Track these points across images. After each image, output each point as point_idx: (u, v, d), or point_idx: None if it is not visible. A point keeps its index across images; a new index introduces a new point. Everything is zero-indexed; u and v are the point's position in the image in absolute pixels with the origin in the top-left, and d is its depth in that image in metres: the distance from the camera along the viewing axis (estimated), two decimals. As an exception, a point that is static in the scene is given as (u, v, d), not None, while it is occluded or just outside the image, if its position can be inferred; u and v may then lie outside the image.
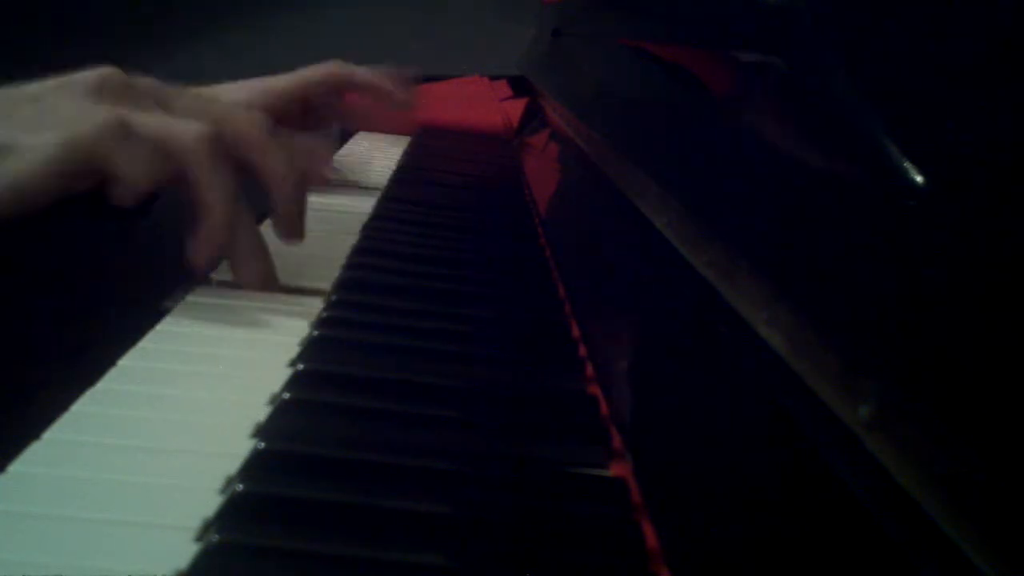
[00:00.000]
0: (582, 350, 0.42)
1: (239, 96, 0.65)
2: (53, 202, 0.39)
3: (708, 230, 0.34)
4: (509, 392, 0.37)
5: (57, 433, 0.29)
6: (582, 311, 0.46)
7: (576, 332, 0.44)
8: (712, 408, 0.31)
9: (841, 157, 0.28)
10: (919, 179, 0.24)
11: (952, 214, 0.22)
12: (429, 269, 0.51)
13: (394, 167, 0.81)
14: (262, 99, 0.65)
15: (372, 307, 0.44)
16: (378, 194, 0.69)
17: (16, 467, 0.27)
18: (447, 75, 1.18)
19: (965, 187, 0.22)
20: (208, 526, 0.25)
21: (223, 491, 0.27)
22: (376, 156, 0.88)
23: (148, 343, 0.37)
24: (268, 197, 0.47)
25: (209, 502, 0.26)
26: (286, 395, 0.33)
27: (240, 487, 0.27)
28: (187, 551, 0.24)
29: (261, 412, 0.32)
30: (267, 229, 0.54)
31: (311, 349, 0.38)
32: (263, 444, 0.29)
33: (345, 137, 1.01)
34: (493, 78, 1.22)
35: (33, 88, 0.42)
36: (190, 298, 0.43)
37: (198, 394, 0.33)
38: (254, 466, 0.28)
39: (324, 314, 0.42)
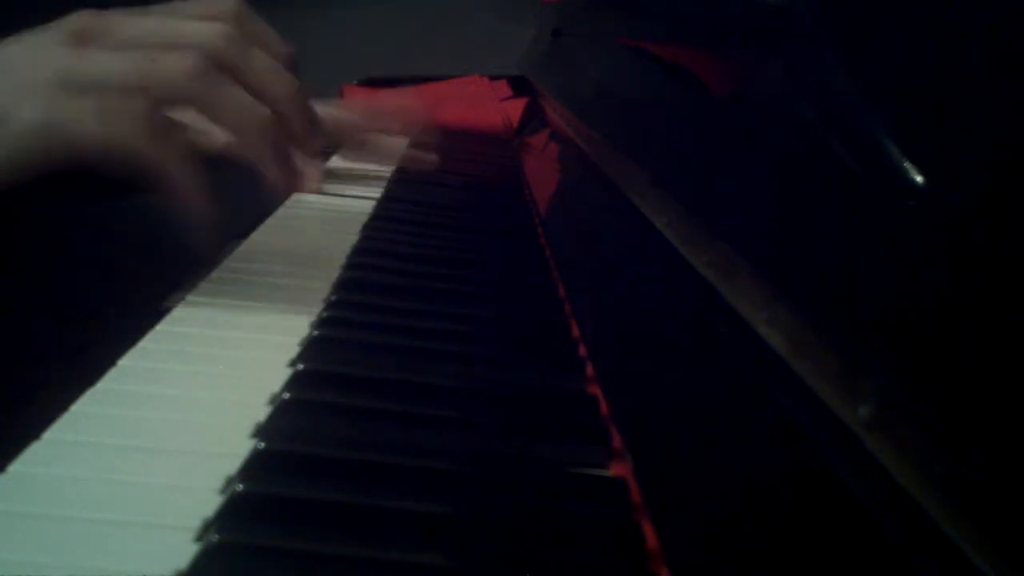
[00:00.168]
0: (582, 350, 0.42)
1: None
2: (47, 172, 0.39)
3: (708, 230, 0.34)
4: (509, 392, 0.37)
5: (57, 433, 0.29)
6: (582, 311, 0.46)
7: (576, 332, 0.44)
8: (712, 408, 0.31)
9: (841, 157, 0.28)
10: (919, 179, 0.24)
11: (952, 214, 0.22)
12: (429, 269, 0.51)
13: (394, 167, 0.81)
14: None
15: (372, 307, 0.44)
16: (378, 194, 0.69)
17: (16, 467, 0.27)
18: (447, 75, 1.18)
19: (965, 187, 0.22)
20: (208, 526, 0.25)
21: (223, 491, 0.27)
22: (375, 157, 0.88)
23: (148, 343, 0.37)
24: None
25: (209, 502, 0.26)
26: (286, 395, 0.33)
27: (240, 487, 0.27)
28: (187, 551, 0.24)
29: (261, 412, 0.32)
30: (264, 235, 0.54)
31: (311, 349, 0.38)
32: (263, 444, 0.29)
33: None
34: (493, 78, 1.22)
35: (14, 47, 0.41)
36: (190, 298, 0.43)
37: (198, 394, 0.33)
38: (254, 466, 0.28)
39: (324, 314, 0.42)
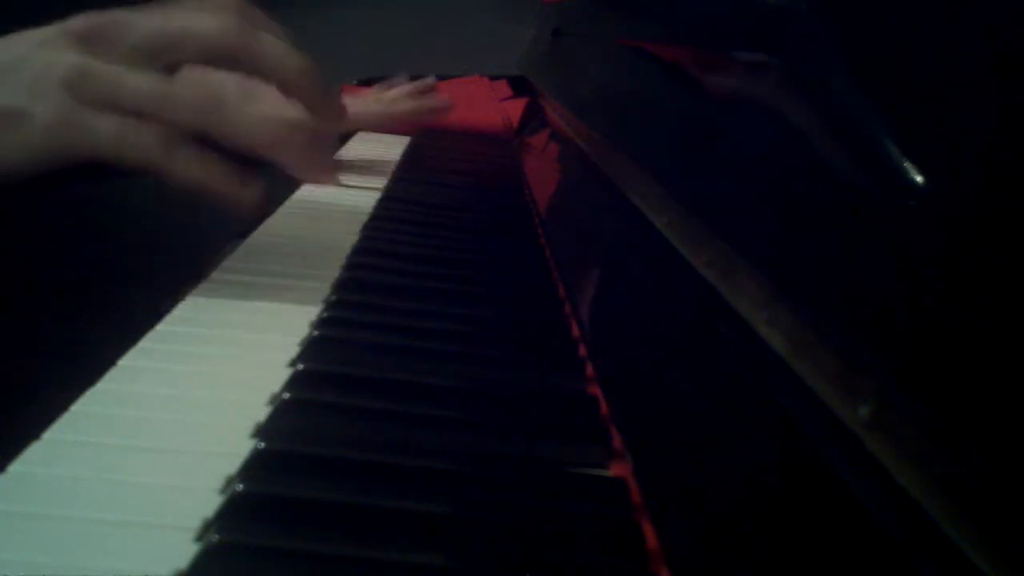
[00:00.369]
0: (582, 350, 0.42)
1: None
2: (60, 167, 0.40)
3: (708, 230, 0.34)
4: (509, 392, 0.37)
5: (57, 433, 0.29)
6: (582, 311, 0.46)
7: (576, 332, 0.44)
8: (712, 408, 0.31)
9: (841, 157, 0.28)
10: (919, 179, 0.24)
11: (952, 214, 0.22)
12: (429, 269, 0.51)
13: (394, 167, 0.81)
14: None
15: (372, 307, 0.44)
16: (378, 194, 0.69)
17: (16, 467, 0.27)
18: (447, 75, 1.18)
19: (965, 187, 0.22)
20: (208, 526, 0.25)
21: (223, 491, 0.27)
22: (376, 156, 0.88)
23: (148, 343, 0.37)
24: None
25: (209, 502, 0.26)
26: (286, 395, 0.33)
27: (240, 487, 0.27)
28: (187, 551, 0.24)
29: (261, 412, 0.32)
30: (265, 234, 0.54)
31: (311, 349, 0.38)
32: (263, 444, 0.29)
33: (345, 137, 1.01)
34: (493, 78, 1.22)
35: (20, 45, 0.42)
36: (190, 298, 0.43)
37: (198, 394, 0.33)
38: (254, 466, 0.28)
39: (324, 314, 0.42)
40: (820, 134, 0.30)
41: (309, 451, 0.30)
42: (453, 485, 0.29)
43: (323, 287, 0.46)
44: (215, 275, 0.46)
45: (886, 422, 0.20)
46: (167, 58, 0.43)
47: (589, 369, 0.39)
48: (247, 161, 0.44)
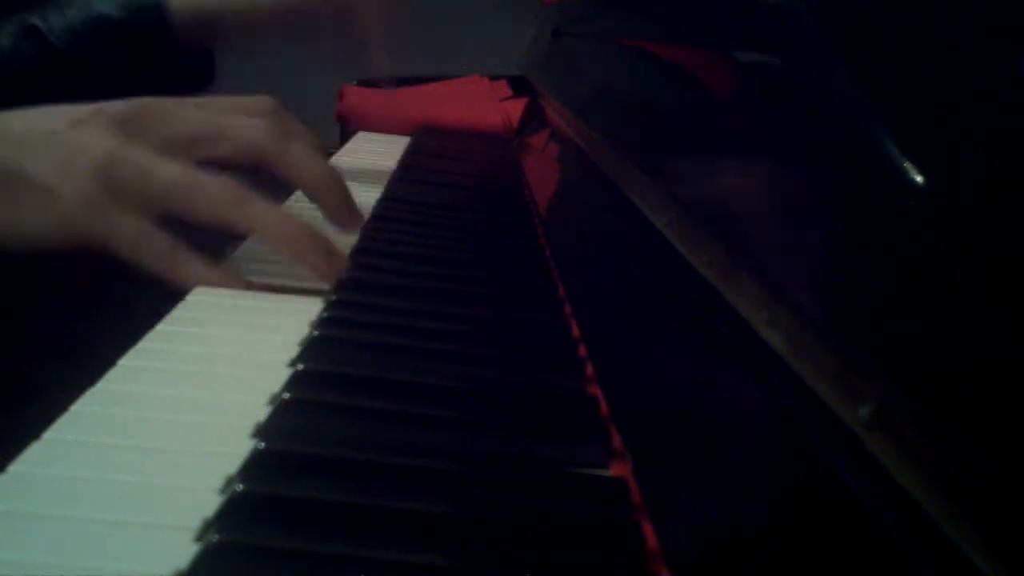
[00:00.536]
0: (582, 350, 0.42)
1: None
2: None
3: (708, 230, 0.34)
4: (509, 392, 0.37)
5: (57, 433, 0.29)
6: (582, 311, 0.46)
7: (576, 332, 0.44)
8: (712, 408, 0.31)
9: (841, 157, 0.28)
10: (919, 179, 0.24)
11: (952, 214, 0.22)
12: (429, 269, 0.51)
13: (394, 167, 0.81)
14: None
15: (372, 307, 0.44)
16: (378, 194, 0.69)
17: (16, 467, 0.27)
18: (447, 75, 1.18)
19: (965, 187, 0.22)
20: (208, 526, 0.25)
21: (223, 491, 0.27)
22: (376, 156, 0.88)
23: (148, 343, 0.37)
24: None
25: (209, 502, 0.26)
26: (286, 395, 0.33)
27: (240, 487, 0.27)
28: (187, 551, 0.24)
29: (261, 412, 0.32)
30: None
31: (311, 349, 0.38)
32: (263, 444, 0.29)
33: (345, 137, 1.01)
34: (493, 78, 1.22)
35: (56, 119, 0.43)
36: (190, 298, 0.43)
37: (198, 394, 0.33)
38: (254, 466, 0.28)
39: (324, 314, 0.42)
40: (820, 134, 0.30)
41: (309, 451, 0.30)
42: (453, 485, 0.29)
43: (323, 287, 0.46)
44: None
45: (886, 422, 0.20)
46: (199, 154, 0.45)
47: (589, 369, 0.39)
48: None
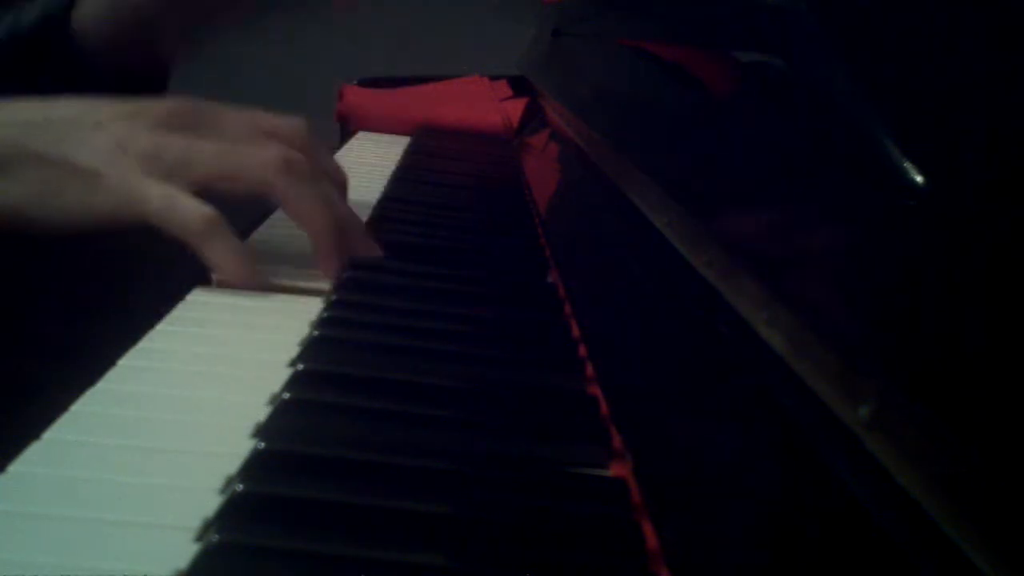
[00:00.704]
0: (582, 350, 0.42)
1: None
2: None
3: (708, 230, 0.34)
4: (509, 392, 0.37)
5: (57, 433, 0.29)
6: (582, 311, 0.46)
7: (576, 332, 0.44)
8: (712, 408, 0.31)
9: (841, 157, 0.28)
10: (919, 179, 0.24)
11: (952, 214, 0.22)
12: (429, 269, 0.51)
13: (394, 167, 0.81)
14: None
15: (372, 307, 0.44)
16: (378, 194, 0.69)
17: (16, 467, 0.27)
18: (447, 75, 1.18)
19: (965, 187, 0.22)
20: (208, 526, 0.25)
21: (223, 491, 0.27)
22: (376, 156, 0.88)
23: (148, 343, 0.37)
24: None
25: (209, 502, 0.26)
26: (286, 395, 0.33)
27: (240, 487, 0.27)
28: (187, 551, 0.24)
29: (261, 412, 0.32)
30: (264, 235, 0.54)
31: (311, 349, 0.38)
32: (263, 444, 0.29)
33: (345, 137, 1.01)
34: (493, 78, 1.22)
35: (101, 113, 0.45)
36: (190, 298, 0.43)
37: (198, 394, 0.33)
38: (254, 466, 0.28)
39: (324, 314, 0.42)
40: (820, 133, 0.30)
41: (309, 451, 0.30)
42: (453, 485, 0.29)
43: (323, 287, 0.46)
44: (215, 275, 0.45)
45: (886, 422, 0.20)
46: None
47: (589, 369, 0.39)
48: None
